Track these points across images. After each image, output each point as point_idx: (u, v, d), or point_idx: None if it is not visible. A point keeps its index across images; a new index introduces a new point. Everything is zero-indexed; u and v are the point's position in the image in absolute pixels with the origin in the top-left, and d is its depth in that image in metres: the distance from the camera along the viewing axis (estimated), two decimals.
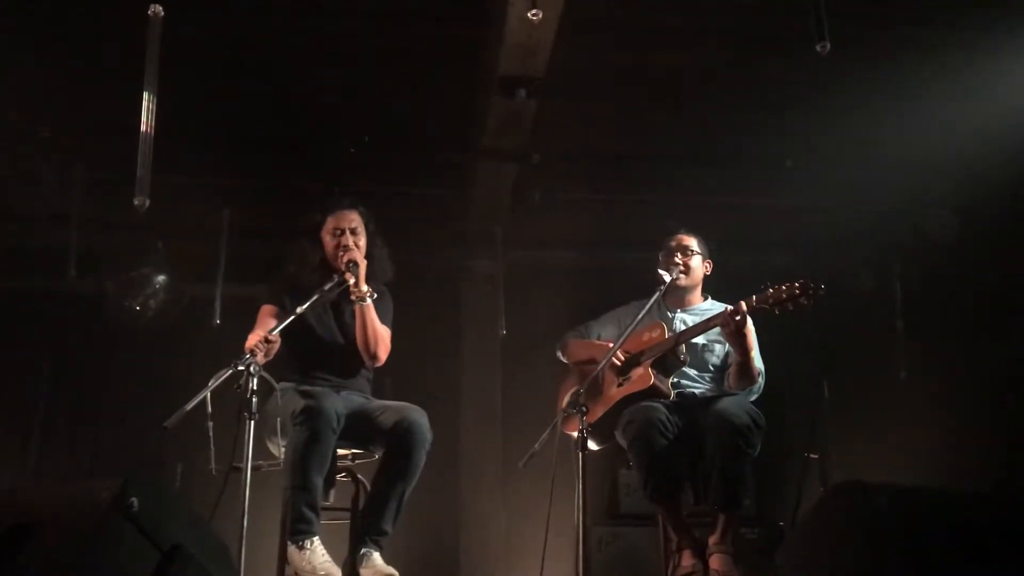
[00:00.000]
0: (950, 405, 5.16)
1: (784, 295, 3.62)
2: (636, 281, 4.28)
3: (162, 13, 3.32)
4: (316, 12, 4.39)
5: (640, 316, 3.85)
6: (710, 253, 4.25)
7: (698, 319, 4.05)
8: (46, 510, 2.59)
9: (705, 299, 4.26)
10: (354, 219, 4.04)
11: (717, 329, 3.92)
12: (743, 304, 3.73)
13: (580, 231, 6.19)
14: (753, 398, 4.00)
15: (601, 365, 3.76)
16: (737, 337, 3.77)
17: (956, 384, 5.17)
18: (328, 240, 4.01)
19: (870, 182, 5.46)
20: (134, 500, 2.49)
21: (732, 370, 3.95)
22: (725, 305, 3.84)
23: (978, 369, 5.05)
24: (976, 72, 4.47)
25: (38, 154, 5.10)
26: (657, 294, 3.96)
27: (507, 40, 4.10)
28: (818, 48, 3.08)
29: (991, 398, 4.95)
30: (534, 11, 3.62)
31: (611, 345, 3.91)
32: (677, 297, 4.21)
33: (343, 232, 3.99)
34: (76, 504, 2.59)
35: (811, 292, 3.58)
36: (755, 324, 3.94)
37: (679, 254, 4.14)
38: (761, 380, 3.97)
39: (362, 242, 4.02)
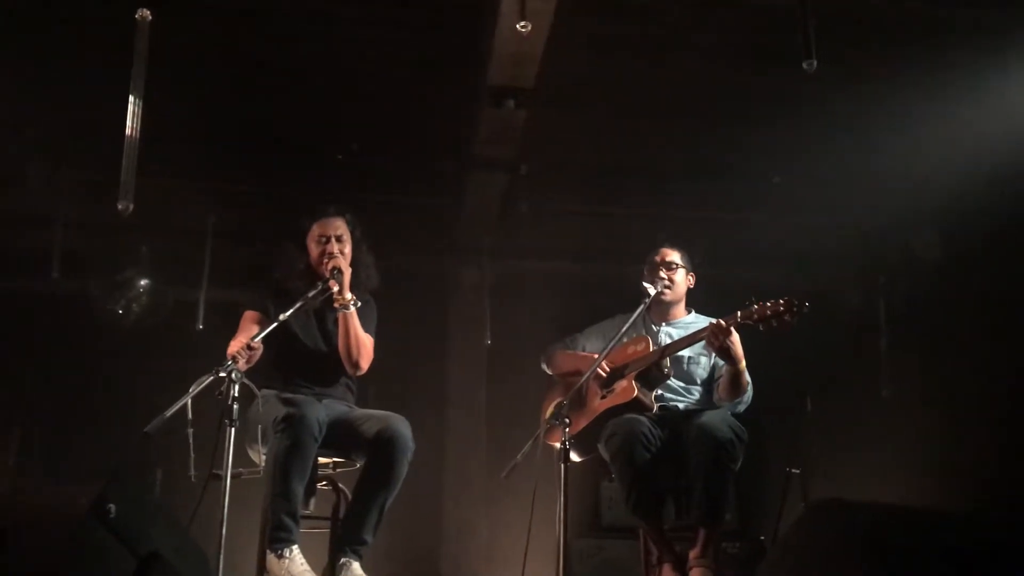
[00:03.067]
0: (932, 423, 5.17)
1: (769, 312, 3.64)
2: (623, 293, 4.28)
3: (150, 17, 3.30)
4: (306, 18, 4.39)
5: (624, 329, 3.86)
6: (694, 266, 4.27)
7: (683, 332, 4.06)
8: (23, 515, 2.57)
9: (689, 312, 4.28)
10: (340, 226, 4.03)
11: (702, 342, 3.93)
12: (727, 320, 3.74)
13: (567, 242, 6.20)
14: (741, 409, 4.01)
15: (585, 377, 3.76)
16: (724, 351, 3.78)
17: (939, 403, 5.19)
18: (314, 247, 4.00)
19: (856, 200, 5.49)
20: (112, 506, 2.48)
21: (723, 381, 3.96)
22: (709, 319, 3.85)
23: (961, 388, 5.07)
24: (962, 93, 4.50)
25: (23, 155, 5.07)
26: (641, 307, 3.96)
27: (497, 51, 4.11)
28: (805, 66, 3.10)
29: (973, 417, 4.96)
30: (523, 23, 3.62)
31: (596, 357, 3.91)
32: (661, 311, 4.22)
33: (329, 239, 3.97)
34: (54, 509, 2.58)
35: (795, 310, 3.60)
36: (741, 336, 3.96)
37: (663, 269, 4.15)
38: (750, 391, 3.99)
39: (348, 250, 4.00)
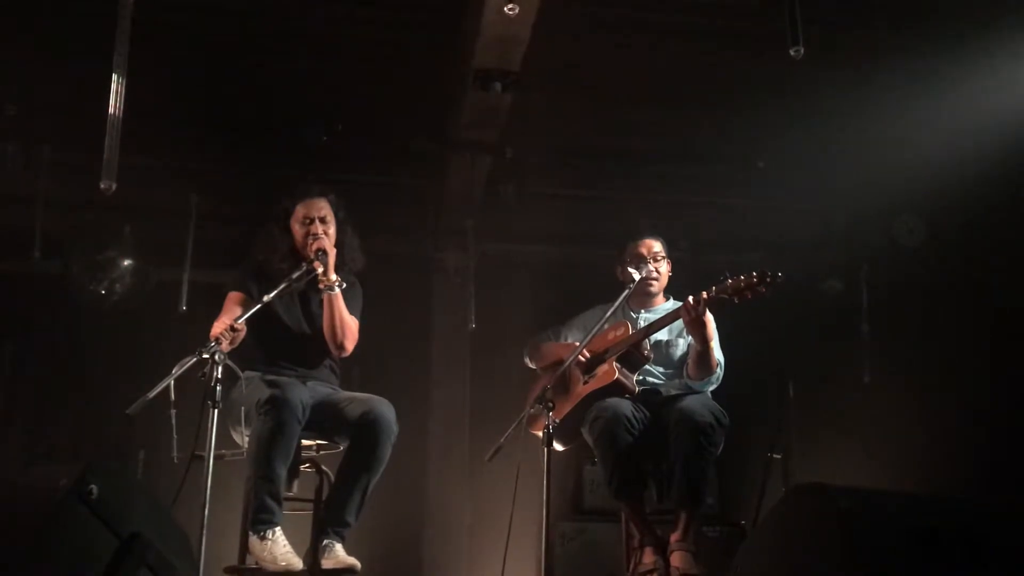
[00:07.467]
0: (913, 408, 5.21)
1: (743, 284, 3.66)
2: (606, 277, 4.31)
3: None
4: None
5: (607, 315, 3.87)
6: (669, 253, 4.29)
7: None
8: (3, 494, 2.55)
9: (667, 299, 4.31)
10: (324, 207, 4.01)
11: (681, 326, 3.95)
12: (702, 295, 3.76)
13: (552, 226, 6.18)
14: (712, 388, 4.04)
15: (568, 360, 3.79)
16: (696, 327, 3.80)
17: (919, 388, 5.23)
18: (297, 228, 3.98)
19: (840, 186, 5.51)
20: (93, 487, 2.46)
21: (691, 359, 3.98)
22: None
23: (941, 373, 5.11)
24: (946, 79, 4.52)
25: (3, 133, 5.02)
26: (627, 291, 3.99)
27: (484, 33, 4.09)
28: (792, 52, 3.10)
29: (954, 402, 5.01)
30: (511, 5, 3.61)
31: (578, 345, 3.93)
32: (642, 299, 4.25)
33: (313, 221, 3.95)
34: (34, 490, 2.56)
35: (768, 280, 3.61)
36: (723, 321, 3.97)
37: (652, 260, 4.17)
38: (719, 371, 4.01)
39: (332, 231, 3.98)
